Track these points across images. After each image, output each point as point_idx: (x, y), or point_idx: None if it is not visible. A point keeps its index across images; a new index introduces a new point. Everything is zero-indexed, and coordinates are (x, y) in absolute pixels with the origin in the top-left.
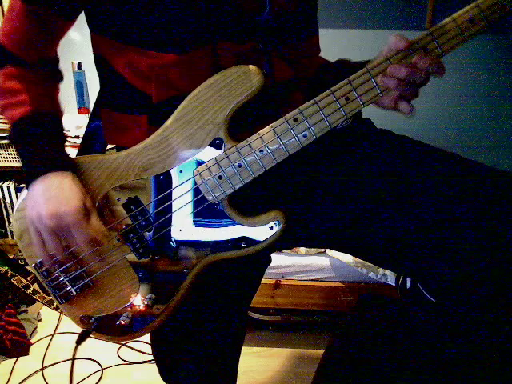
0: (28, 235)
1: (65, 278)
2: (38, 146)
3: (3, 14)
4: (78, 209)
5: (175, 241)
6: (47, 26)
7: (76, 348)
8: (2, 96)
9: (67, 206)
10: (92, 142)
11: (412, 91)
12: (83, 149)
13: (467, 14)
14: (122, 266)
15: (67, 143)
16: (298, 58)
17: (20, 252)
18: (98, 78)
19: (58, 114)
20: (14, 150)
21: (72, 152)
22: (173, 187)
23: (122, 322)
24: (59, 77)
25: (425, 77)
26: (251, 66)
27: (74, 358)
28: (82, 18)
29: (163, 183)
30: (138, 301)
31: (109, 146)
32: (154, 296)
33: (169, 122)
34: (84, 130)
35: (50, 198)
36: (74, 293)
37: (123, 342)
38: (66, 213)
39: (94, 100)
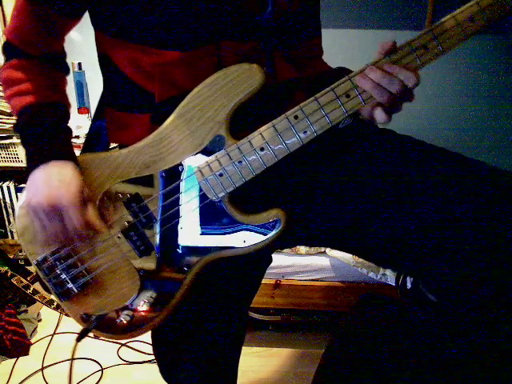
0: (27, 225)
1: (66, 275)
2: (41, 135)
3: (3, 13)
4: (76, 194)
5: (175, 239)
6: (48, 25)
7: (75, 347)
8: (9, 86)
9: (66, 191)
10: (95, 142)
11: (390, 100)
12: (86, 148)
13: (467, 12)
14: (122, 264)
15: None
16: (299, 58)
17: (20, 252)
18: (97, 77)
19: (63, 105)
20: (19, 137)
21: None
22: (173, 185)
23: (123, 321)
24: (65, 69)
25: (399, 86)
26: (253, 64)
27: (73, 358)
28: (82, 18)
29: (164, 181)
30: (139, 299)
31: (112, 145)
32: (154, 294)
33: (170, 119)
34: (84, 129)
35: (50, 185)
36: (75, 290)
37: (123, 341)
38: (63, 197)
39: (94, 100)
